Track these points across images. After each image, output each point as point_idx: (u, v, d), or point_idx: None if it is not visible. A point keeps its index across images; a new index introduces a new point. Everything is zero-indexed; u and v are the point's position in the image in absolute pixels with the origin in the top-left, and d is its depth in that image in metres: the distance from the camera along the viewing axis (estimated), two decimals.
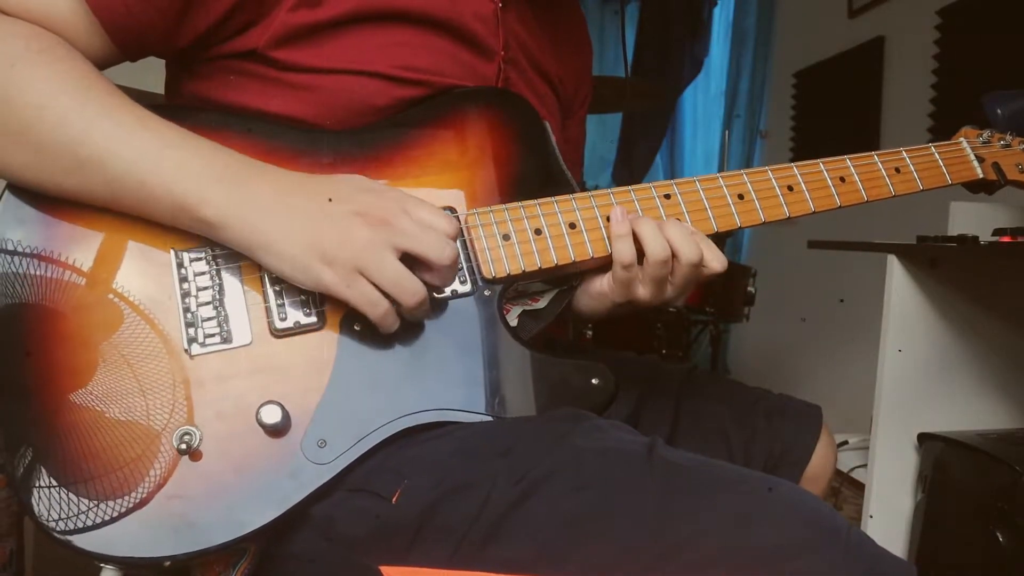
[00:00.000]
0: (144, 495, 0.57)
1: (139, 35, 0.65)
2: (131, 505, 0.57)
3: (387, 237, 0.59)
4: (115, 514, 0.56)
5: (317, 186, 0.61)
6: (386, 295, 0.60)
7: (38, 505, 0.56)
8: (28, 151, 0.58)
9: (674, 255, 0.68)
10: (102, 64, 0.65)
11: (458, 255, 0.63)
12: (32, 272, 0.60)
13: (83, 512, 0.56)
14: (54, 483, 0.56)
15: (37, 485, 0.56)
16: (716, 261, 0.70)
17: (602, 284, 0.74)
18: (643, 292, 0.71)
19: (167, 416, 0.58)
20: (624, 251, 0.69)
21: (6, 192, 0.62)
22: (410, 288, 0.60)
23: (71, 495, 0.56)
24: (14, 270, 0.60)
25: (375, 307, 0.60)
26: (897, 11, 2.44)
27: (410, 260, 0.61)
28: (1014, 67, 1.88)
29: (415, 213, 0.61)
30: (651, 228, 0.68)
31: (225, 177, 0.59)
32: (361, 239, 0.58)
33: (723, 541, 0.51)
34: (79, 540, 0.56)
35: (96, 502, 0.56)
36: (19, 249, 0.60)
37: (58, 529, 0.56)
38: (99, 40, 0.63)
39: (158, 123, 0.60)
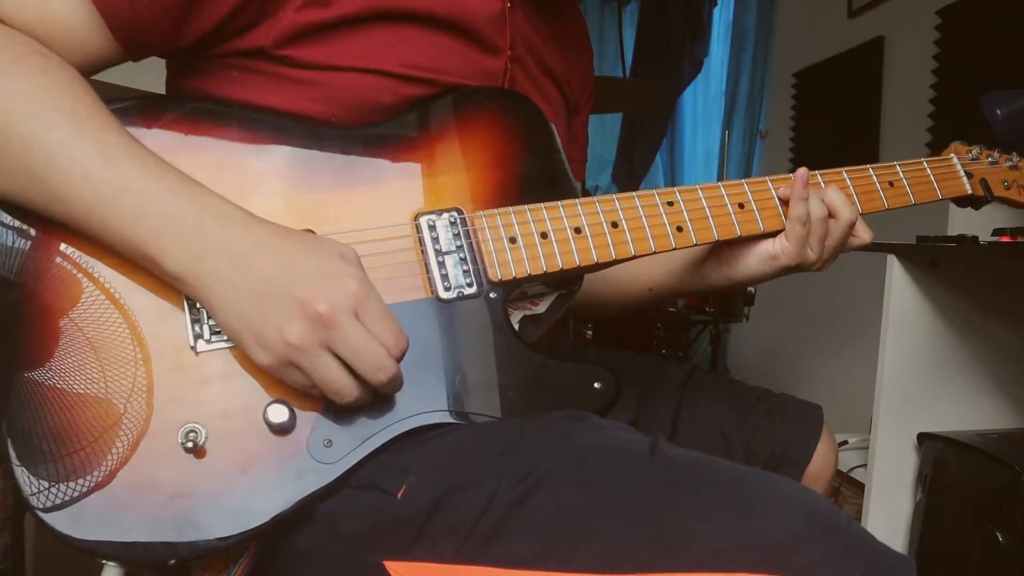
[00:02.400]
0: (148, 492, 0.57)
1: (143, 33, 0.64)
2: (135, 502, 0.57)
3: (324, 339, 0.56)
4: (118, 510, 0.56)
5: (274, 252, 0.57)
6: None
7: (36, 498, 0.56)
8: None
9: (832, 215, 0.77)
10: (102, 65, 0.65)
11: (396, 377, 0.59)
12: (31, 257, 0.60)
13: (84, 507, 0.56)
14: (53, 477, 0.56)
15: (34, 474, 0.56)
16: (866, 233, 0.80)
17: (775, 246, 0.79)
18: (812, 252, 0.77)
19: (172, 413, 0.59)
20: (803, 211, 0.76)
21: None
22: (342, 391, 0.58)
23: (72, 490, 0.56)
24: (16, 248, 0.60)
25: (310, 391, 0.59)
26: (897, 11, 2.44)
27: None
28: (1014, 67, 1.88)
29: (367, 319, 0.57)
30: (813, 193, 0.77)
31: (180, 231, 0.57)
32: (296, 335, 0.55)
33: (724, 536, 0.51)
34: (80, 535, 0.56)
35: (99, 498, 0.56)
36: (21, 229, 0.60)
37: (55, 522, 0.56)
38: (101, 38, 0.63)
39: (121, 153, 0.57)
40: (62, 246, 0.60)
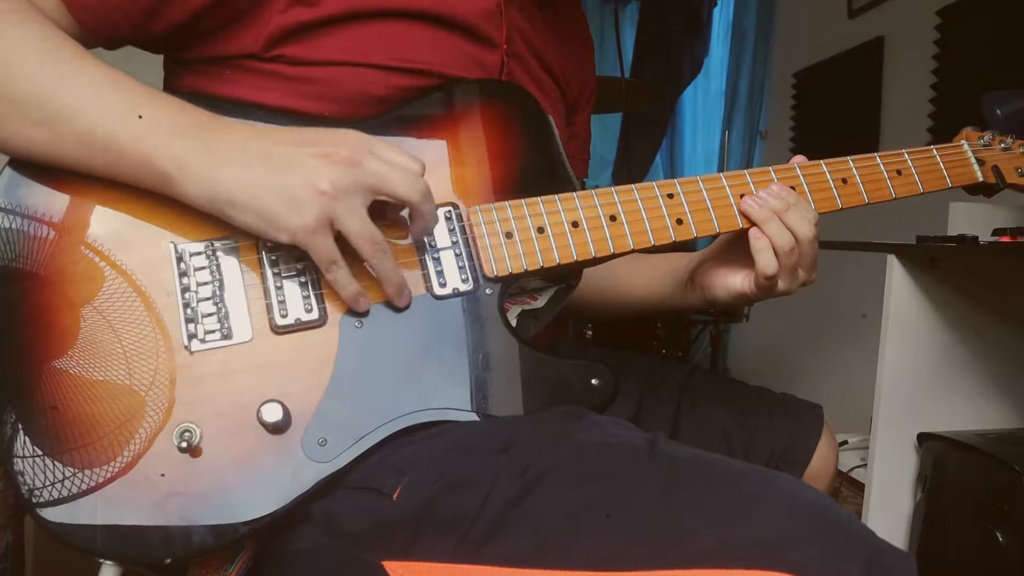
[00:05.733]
0: (143, 492, 0.57)
1: (109, 21, 0.64)
2: (131, 500, 0.57)
3: (355, 177, 0.58)
4: (115, 508, 0.56)
5: (282, 134, 0.61)
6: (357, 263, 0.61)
7: (39, 492, 0.56)
8: None
9: (795, 237, 0.71)
10: None
11: (429, 190, 0.62)
12: (53, 246, 0.60)
13: (81, 507, 0.56)
14: (52, 479, 0.56)
15: (30, 470, 0.56)
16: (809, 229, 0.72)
17: (743, 286, 0.76)
18: (782, 286, 0.73)
19: (166, 413, 0.58)
20: (770, 264, 0.71)
21: (7, 169, 0.62)
22: (374, 238, 0.60)
23: (70, 491, 0.56)
24: (10, 238, 0.60)
25: (335, 267, 0.60)
26: (897, 11, 2.43)
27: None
28: (1014, 67, 1.88)
29: (381, 153, 0.61)
30: (776, 225, 0.71)
31: (191, 133, 0.59)
32: (328, 181, 0.57)
33: (724, 532, 0.51)
34: (77, 532, 0.56)
35: (100, 494, 0.56)
36: (43, 218, 0.60)
37: (54, 517, 0.56)
38: (67, 22, 0.63)
39: (128, 83, 0.60)
40: (84, 235, 0.61)
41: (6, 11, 0.59)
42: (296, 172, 0.58)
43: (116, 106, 0.58)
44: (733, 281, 0.77)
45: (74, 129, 0.58)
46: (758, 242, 0.72)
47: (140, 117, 0.58)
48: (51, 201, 0.61)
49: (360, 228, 0.59)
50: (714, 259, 0.81)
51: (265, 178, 0.58)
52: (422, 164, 0.63)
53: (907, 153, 0.81)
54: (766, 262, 0.71)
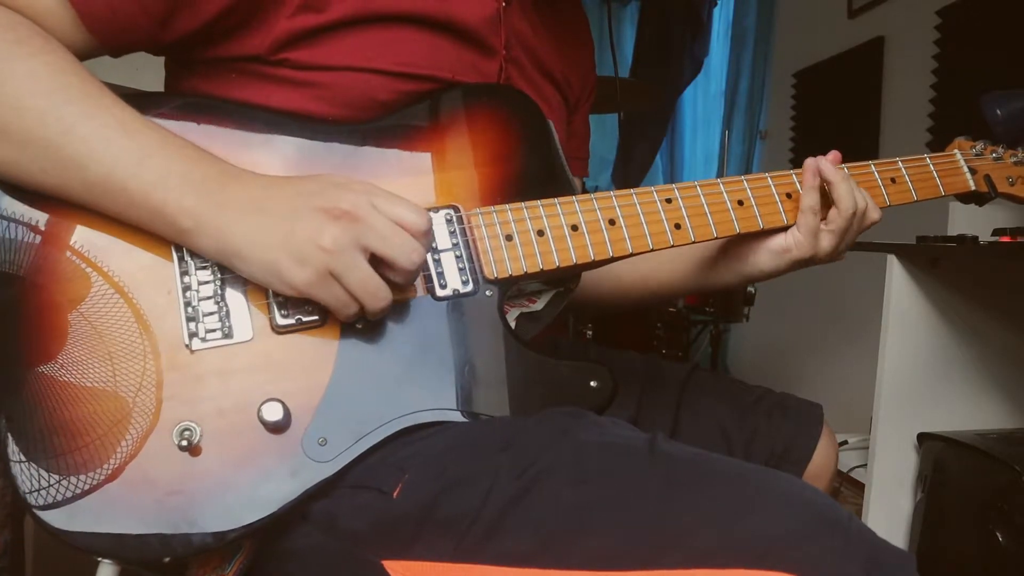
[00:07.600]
0: (143, 489, 0.57)
1: (122, 32, 0.64)
2: (130, 499, 0.57)
3: (356, 236, 0.59)
4: (114, 507, 0.56)
5: (288, 186, 0.61)
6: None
7: (33, 496, 0.56)
8: (5, 148, 0.57)
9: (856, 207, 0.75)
10: (83, 56, 0.65)
11: (425, 259, 0.63)
12: (40, 251, 0.60)
13: (81, 504, 0.56)
14: (47, 483, 0.56)
15: (40, 469, 0.56)
16: (876, 212, 0.79)
17: (787, 239, 0.78)
18: (826, 243, 0.77)
19: (166, 411, 0.58)
20: (814, 200, 0.76)
21: None
22: (377, 294, 0.60)
23: (73, 486, 0.56)
24: (24, 242, 0.60)
25: (346, 308, 0.60)
26: (897, 11, 2.44)
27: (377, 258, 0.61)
28: (1014, 67, 1.88)
29: (384, 207, 0.60)
30: (848, 185, 0.76)
31: (202, 186, 0.59)
32: (330, 237, 0.58)
33: (724, 531, 0.51)
34: (75, 532, 0.56)
35: (97, 495, 0.56)
36: (29, 223, 0.60)
37: (51, 519, 0.56)
38: (80, 34, 0.63)
39: (139, 126, 0.59)
40: (71, 240, 0.60)
41: (11, 43, 0.58)
42: (301, 228, 0.58)
43: (125, 157, 0.58)
44: (776, 242, 0.79)
45: (83, 179, 0.58)
46: (812, 180, 0.75)
47: (150, 169, 0.58)
48: (39, 206, 0.60)
49: (360, 283, 0.59)
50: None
51: (273, 234, 0.58)
52: (428, 219, 0.62)
53: (901, 161, 0.83)
54: (813, 198, 0.75)
